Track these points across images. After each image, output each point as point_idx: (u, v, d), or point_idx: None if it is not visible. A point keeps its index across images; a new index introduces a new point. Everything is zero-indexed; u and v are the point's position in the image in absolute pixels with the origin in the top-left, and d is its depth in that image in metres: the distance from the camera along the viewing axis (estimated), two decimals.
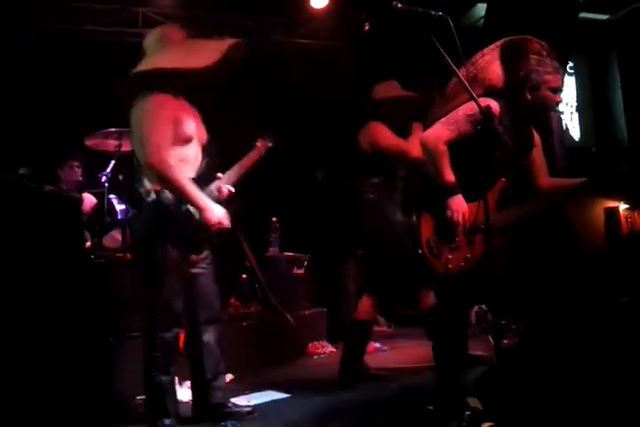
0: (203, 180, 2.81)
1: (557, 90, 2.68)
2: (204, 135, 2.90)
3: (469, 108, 2.63)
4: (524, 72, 2.63)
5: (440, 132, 2.67)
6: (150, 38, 2.85)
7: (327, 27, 6.53)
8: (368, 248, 3.91)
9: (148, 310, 2.69)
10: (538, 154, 2.85)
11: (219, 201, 2.82)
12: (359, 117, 3.97)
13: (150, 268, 2.64)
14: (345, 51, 6.54)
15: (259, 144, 3.32)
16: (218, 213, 2.70)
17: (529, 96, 2.64)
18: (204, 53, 2.67)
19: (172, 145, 2.64)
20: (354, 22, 6.31)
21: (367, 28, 6.23)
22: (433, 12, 2.30)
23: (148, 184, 2.66)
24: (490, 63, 2.71)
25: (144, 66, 2.68)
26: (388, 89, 3.94)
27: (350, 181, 3.97)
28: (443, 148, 2.64)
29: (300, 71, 5.88)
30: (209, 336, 2.89)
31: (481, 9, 6.20)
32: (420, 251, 2.68)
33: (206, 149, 2.91)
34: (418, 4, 2.32)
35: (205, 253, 2.85)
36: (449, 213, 2.61)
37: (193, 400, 2.97)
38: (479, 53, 2.70)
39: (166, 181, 2.60)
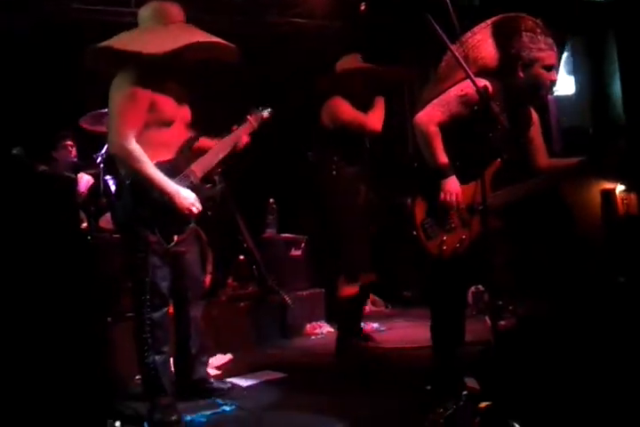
0: (185, 161, 2.78)
1: (551, 67, 2.64)
2: (187, 115, 2.86)
3: (461, 88, 2.61)
4: (516, 49, 2.60)
5: (431, 113, 2.65)
6: (145, 11, 2.76)
7: (323, 6, 6.46)
8: (329, 225, 3.91)
9: (135, 292, 2.70)
10: (536, 133, 2.83)
11: (194, 185, 2.76)
12: (321, 94, 3.90)
13: (134, 250, 2.65)
14: (341, 31, 6.47)
15: (250, 117, 3.10)
16: (186, 198, 2.66)
17: (521, 74, 2.61)
18: (170, 41, 2.58)
19: (146, 130, 2.63)
20: (350, 2, 6.24)
21: (363, 7, 6.16)
22: None
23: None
24: (481, 42, 2.67)
25: (113, 42, 2.62)
26: (348, 62, 3.86)
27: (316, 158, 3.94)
28: (434, 129, 2.62)
29: (296, 51, 5.82)
30: (195, 312, 2.94)
31: None
32: (414, 232, 2.68)
33: (191, 128, 2.88)
34: None
35: (188, 232, 2.82)
36: (442, 194, 2.60)
37: (176, 375, 2.98)
38: (469, 33, 2.66)
39: (129, 168, 2.60)
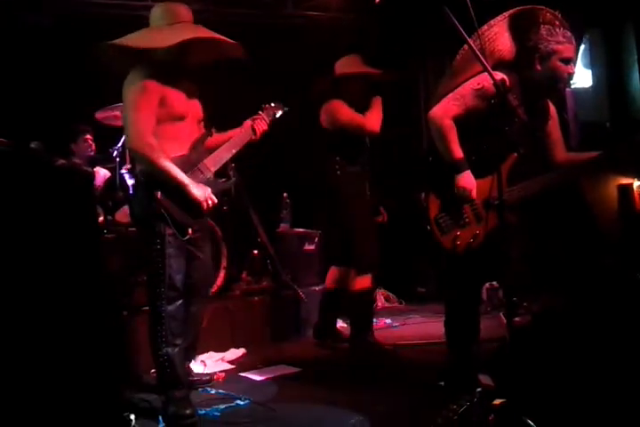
0: (198, 156, 2.82)
1: (569, 60, 2.60)
2: (199, 111, 2.89)
3: (477, 81, 2.58)
4: (534, 42, 2.56)
5: (446, 107, 2.63)
6: (156, 11, 2.82)
7: None
8: (338, 221, 3.96)
9: (151, 285, 2.73)
10: (554, 127, 2.80)
11: (207, 179, 2.81)
12: (319, 95, 3.94)
13: (150, 243, 2.68)
14: (356, 23, 6.43)
15: (262, 113, 3.08)
16: (201, 191, 2.70)
17: (539, 67, 2.58)
18: (172, 37, 2.65)
19: (159, 125, 2.68)
20: None
21: (378, 0, 6.12)
22: None
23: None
24: (499, 35, 2.64)
25: (121, 40, 2.71)
26: (348, 65, 3.89)
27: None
28: (449, 123, 2.60)
29: (310, 44, 5.80)
30: (196, 308, 2.93)
31: None
32: (428, 227, 2.66)
33: (205, 123, 2.92)
34: None
35: (203, 227, 2.90)
36: (457, 189, 2.58)
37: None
38: (485, 25, 2.63)
39: (147, 163, 2.64)
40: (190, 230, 2.71)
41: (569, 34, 2.59)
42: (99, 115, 4.31)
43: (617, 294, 3.04)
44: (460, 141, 2.60)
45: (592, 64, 7.32)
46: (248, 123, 3.02)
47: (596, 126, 7.09)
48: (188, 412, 2.64)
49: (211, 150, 2.90)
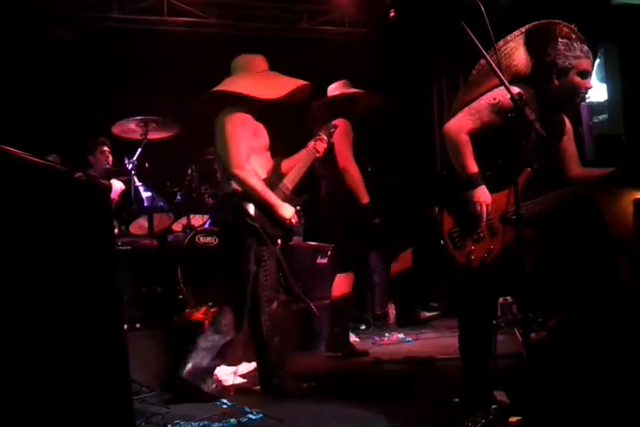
0: (277, 178, 3.32)
1: (587, 74, 2.60)
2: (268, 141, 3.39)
3: (493, 96, 2.57)
4: (552, 57, 2.56)
5: (462, 122, 2.62)
6: (238, 62, 3.37)
7: (352, 14, 6.47)
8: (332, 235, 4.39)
9: (252, 290, 3.15)
10: (569, 142, 2.78)
11: (287, 197, 3.29)
12: (309, 117, 4.21)
13: (238, 259, 3.17)
14: (370, 38, 6.47)
15: (322, 134, 3.48)
16: (289, 211, 3.22)
17: (557, 82, 2.57)
18: (278, 88, 3.28)
19: (252, 153, 3.18)
20: (379, 9, 6.24)
21: (392, 14, 6.16)
22: None
23: (234, 186, 3.18)
24: (515, 50, 2.64)
25: (229, 86, 3.24)
26: (342, 86, 4.24)
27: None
28: (464, 138, 2.59)
29: (324, 58, 5.84)
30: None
31: None
32: (442, 242, 2.64)
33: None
34: None
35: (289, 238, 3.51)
36: (471, 204, 2.57)
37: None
38: (502, 40, 2.63)
39: (245, 185, 3.14)
40: (279, 241, 3.28)
41: (586, 48, 2.58)
42: (115, 128, 4.36)
43: (634, 308, 3.00)
44: (475, 156, 2.59)
45: (607, 78, 7.30)
46: (311, 144, 3.46)
47: (612, 140, 7.06)
48: (304, 385, 3.23)
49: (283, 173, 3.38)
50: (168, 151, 4.95)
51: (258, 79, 3.31)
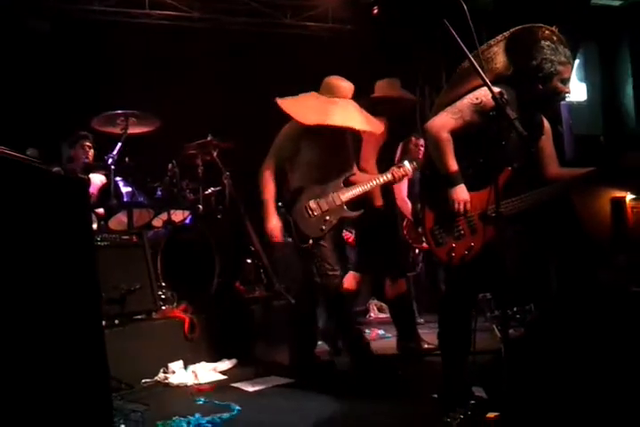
0: (335, 187, 3.51)
1: (568, 80, 2.64)
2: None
3: (476, 96, 2.60)
4: (538, 61, 2.58)
5: (444, 120, 2.64)
6: (324, 82, 3.54)
7: (335, 10, 6.46)
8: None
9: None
10: (547, 142, 2.82)
11: (334, 208, 3.44)
12: None
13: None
14: (353, 34, 6.47)
15: (404, 164, 3.60)
16: (268, 225, 3.49)
17: (540, 86, 2.60)
18: (360, 122, 3.47)
19: (300, 164, 3.50)
20: (362, 6, 6.24)
21: (376, 11, 6.16)
22: None
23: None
24: (497, 54, 2.67)
25: (284, 103, 3.41)
26: (390, 87, 4.11)
27: None
28: (445, 136, 2.61)
29: (307, 54, 5.83)
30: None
31: None
32: (423, 239, 2.66)
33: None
34: None
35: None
36: (450, 202, 2.59)
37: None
38: (485, 44, 2.66)
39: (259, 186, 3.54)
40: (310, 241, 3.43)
41: (569, 53, 2.62)
42: (94, 123, 4.31)
43: (610, 306, 3.04)
44: (456, 155, 2.61)
45: (587, 78, 7.38)
46: (394, 169, 3.60)
47: (590, 140, 7.15)
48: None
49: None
50: (149, 146, 4.90)
51: (318, 104, 3.44)
